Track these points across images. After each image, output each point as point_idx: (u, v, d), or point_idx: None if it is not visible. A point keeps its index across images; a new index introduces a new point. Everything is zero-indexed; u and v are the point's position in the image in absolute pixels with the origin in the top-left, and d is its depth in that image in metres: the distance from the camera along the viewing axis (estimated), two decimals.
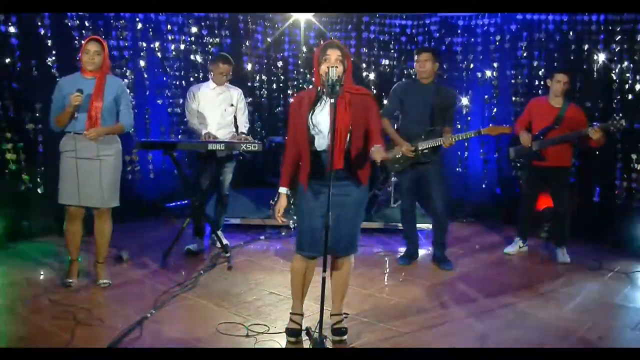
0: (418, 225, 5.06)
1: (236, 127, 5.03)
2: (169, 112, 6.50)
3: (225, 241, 4.98)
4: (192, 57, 6.60)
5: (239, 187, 6.32)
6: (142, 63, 6.18)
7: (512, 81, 6.52)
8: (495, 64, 6.60)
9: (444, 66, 6.57)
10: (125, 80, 6.02)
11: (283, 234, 5.66)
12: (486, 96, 6.67)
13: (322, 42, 3.19)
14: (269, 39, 7.27)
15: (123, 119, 4.03)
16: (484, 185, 6.76)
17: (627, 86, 5.72)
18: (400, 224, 5.22)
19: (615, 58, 5.78)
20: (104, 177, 3.93)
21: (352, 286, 3.68)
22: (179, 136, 6.50)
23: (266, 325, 3.46)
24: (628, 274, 4.73)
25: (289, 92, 7.41)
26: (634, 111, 5.63)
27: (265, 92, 7.41)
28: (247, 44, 7.13)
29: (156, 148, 4.77)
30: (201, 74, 6.50)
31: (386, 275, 4.63)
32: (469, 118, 6.78)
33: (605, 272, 4.79)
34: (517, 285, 4.40)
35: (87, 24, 5.67)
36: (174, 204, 6.40)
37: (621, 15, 5.70)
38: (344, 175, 3.11)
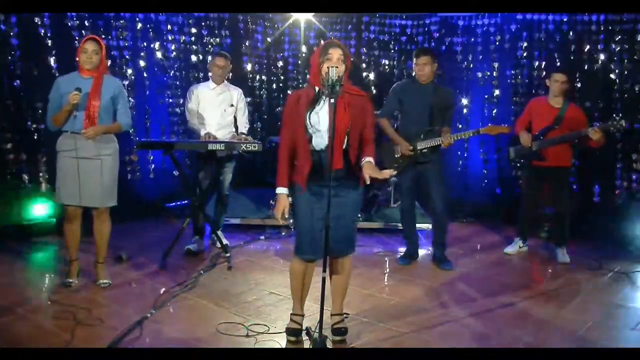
0: (418, 225, 5.06)
1: (236, 127, 5.03)
2: (169, 112, 6.50)
3: (225, 241, 4.98)
4: (192, 57, 6.60)
5: (239, 187, 6.32)
6: (142, 63, 6.18)
7: (512, 81, 6.52)
8: (495, 64, 6.60)
9: (444, 66, 6.57)
10: (125, 80, 6.03)
11: (283, 234, 5.66)
12: (486, 96, 6.67)
13: (322, 42, 3.18)
14: (269, 39, 7.27)
15: (121, 118, 4.03)
16: (484, 185, 6.76)
17: (627, 86, 5.73)
18: (400, 224, 5.22)
19: (615, 58, 5.78)
20: (104, 176, 3.93)
21: (352, 286, 3.68)
22: (179, 136, 6.50)
23: (266, 325, 3.46)
24: (628, 274, 4.73)
25: (289, 92, 7.40)
26: (634, 111, 5.63)
27: (265, 92, 7.42)
28: (247, 44, 7.13)
29: (156, 148, 4.78)
30: (201, 74, 6.50)
31: (386, 275, 4.63)
32: (468, 118, 6.77)
33: (605, 272, 4.79)
34: (517, 285, 4.40)
35: (87, 24, 5.68)
36: (174, 204, 6.40)
37: (621, 15, 5.70)
38: (342, 176, 3.11)
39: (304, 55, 7.27)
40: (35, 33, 5.28)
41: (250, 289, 4.16)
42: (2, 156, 5.16)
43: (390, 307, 3.86)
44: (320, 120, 3.08)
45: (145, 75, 6.23)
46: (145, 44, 6.18)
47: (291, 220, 5.15)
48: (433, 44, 6.98)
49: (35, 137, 5.30)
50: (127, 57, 6.04)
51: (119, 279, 4.24)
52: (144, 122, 6.26)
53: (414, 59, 4.62)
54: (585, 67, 5.99)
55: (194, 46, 6.61)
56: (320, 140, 3.10)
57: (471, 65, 6.75)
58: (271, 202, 5.62)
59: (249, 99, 5.32)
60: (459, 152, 6.85)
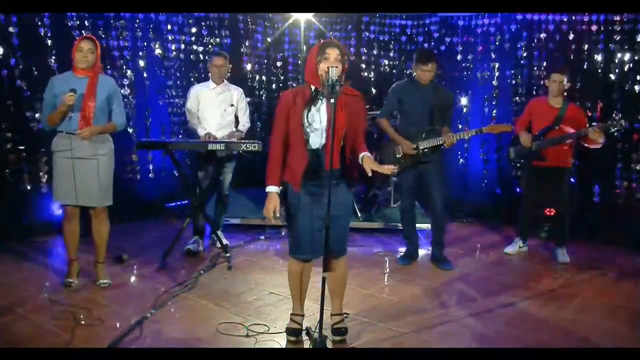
0: (418, 225, 5.06)
1: (237, 127, 5.04)
2: (169, 112, 6.50)
3: (225, 241, 4.98)
4: (192, 57, 6.60)
5: (239, 187, 6.32)
6: (142, 63, 6.18)
7: (512, 81, 6.52)
8: (495, 64, 6.60)
9: (444, 66, 6.57)
10: (125, 80, 6.03)
11: (283, 234, 5.66)
12: (486, 96, 6.67)
13: (321, 41, 3.17)
14: (269, 39, 7.28)
15: (116, 118, 4.03)
16: (483, 185, 6.76)
17: (627, 86, 5.73)
18: (400, 224, 5.22)
19: (615, 58, 5.78)
20: (101, 176, 3.94)
21: (352, 286, 3.68)
22: (179, 136, 6.50)
23: (266, 325, 3.46)
24: (628, 273, 4.73)
25: (283, 95, 7.40)
26: (634, 111, 5.63)
27: (265, 92, 7.42)
28: (247, 44, 7.13)
29: (156, 148, 4.78)
30: (201, 74, 6.50)
31: (386, 275, 4.63)
32: (468, 118, 6.78)
33: (605, 272, 4.79)
34: (517, 285, 4.40)
35: (87, 24, 5.67)
36: (174, 204, 6.40)
37: (621, 15, 5.70)
38: (339, 175, 3.11)
39: (304, 55, 7.27)
40: (35, 33, 5.28)
41: (250, 289, 4.16)
42: (2, 156, 5.15)
43: (390, 307, 3.86)
44: (317, 119, 3.08)
45: (145, 75, 6.23)
46: (145, 44, 6.18)
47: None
48: (433, 44, 6.99)
49: (35, 137, 5.29)
50: (127, 57, 6.04)
51: (119, 279, 4.24)
52: (144, 122, 6.26)
53: (419, 64, 4.53)
54: (585, 67, 5.99)
55: (194, 46, 6.61)
56: (317, 140, 3.09)
57: (471, 65, 6.75)
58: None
59: (248, 99, 5.31)
60: (459, 152, 6.85)
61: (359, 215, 5.83)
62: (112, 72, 5.91)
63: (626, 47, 5.71)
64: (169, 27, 6.39)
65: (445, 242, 4.89)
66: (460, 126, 6.63)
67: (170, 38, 6.40)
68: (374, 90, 7.21)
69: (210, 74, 4.96)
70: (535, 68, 6.35)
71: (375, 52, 7.27)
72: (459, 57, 6.82)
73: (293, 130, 3.09)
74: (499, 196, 6.64)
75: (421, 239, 5.29)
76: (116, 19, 5.90)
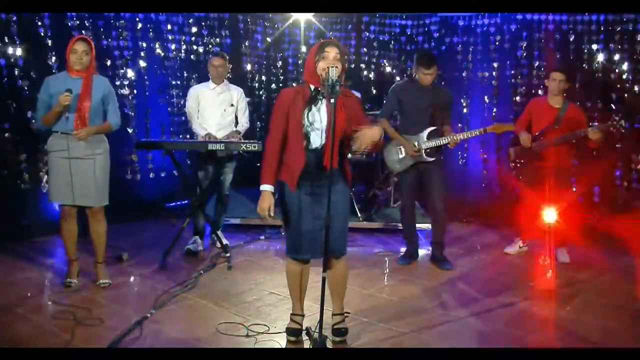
0: (418, 225, 5.06)
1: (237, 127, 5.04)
2: (169, 112, 6.50)
3: (225, 241, 4.98)
4: (192, 57, 6.60)
5: (239, 187, 6.32)
6: (142, 63, 6.18)
7: (512, 81, 6.52)
8: (495, 64, 6.60)
9: (444, 66, 6.58)
10: (125, 80, 6.04)
11: (283, 234, 5.65)
12: (486, 96, 6.68)
13: (321, 41, 3.17)
14: (268, 39, 7.28)
15: (111, 118, 4.04)
16: (484, 185, 6.76)
17: (627, 86, 5.73)
18: (400, 224, 5.22)
19: (615, 58, 5.78)
20: (97, 175, 3.94)
21: (352, 286, 3.68)
22: (180, 136, 6.50)
23: (266, 325, 3.46)
24: (628, 273, 4.73)
25: (281, 94, 7.40)
26: (634, 111, 5.64)
27: (265, 92, 7.42)
28: (247, 44, 7.13)
29: (156, 148, 4.80)
30: (201, 74, 6.50)
31: (386, 275, 4.63)
32: (468, 118, 6.78)
33: (605, 272, 4.79)
34: (517, 285, 4.40)
35: (87, 24, 5.68)
36: (174, 204, 6.40)
37: (621, 15, 5.70)
38: (336, 175, 3.10)
39: (303, 55, 7.28)
40: (35, 33, 5.28)
41: (250, 289, 4.16)
42: (2, 156, 5.15)
43: (390, 307, 3.86)
44: (317, 118, 3.07)
45: (145, 75, 6.23)
46: (145, 44, 6.18)
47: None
48: (433, 44, 6.99)
49: (35, 137, 5.30)
50: (127, 57, 6.04)
51: (119, 279, 4.24)
52: (144, 122, 6.26)
53: (421, 68, 4.51)
54: (585, 67, 5.99)
55: (194, 46, 6.61)
56: (317, 139, 3.09)
57: (471, 65, 6.75)
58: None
59: (248, 99, 5.31)
60: (459, 152, 6.85)
61: (359, 215, 5.83)
62: (112, 72, 5.92)
63: (626, 47, 5.71)
64: (169, 27, 6.39)
65: (445, 242, 4.89)
66: (460, 126, 6.63)
67: (170, 38, 6.41)
68: (374, 90, 7.21)
69: (210, 74, 4.97)
70: (535, 68, 6.36)
71: (375, 52, 7.26)
72: (459, 57, 6.82)
73: (292, 130, 3.08)
74: (499, 196, 6.64)
75: (421, 239, 5.29)
76: (116, 19, 5.91)
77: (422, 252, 5.08)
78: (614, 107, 5.77)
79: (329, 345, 3.14)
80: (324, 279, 2.88)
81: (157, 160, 6.35)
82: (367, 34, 7.25)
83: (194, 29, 6.60)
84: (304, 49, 7.22)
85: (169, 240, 4.73)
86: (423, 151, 4.60)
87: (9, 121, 5.17)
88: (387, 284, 4.42)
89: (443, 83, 6.39)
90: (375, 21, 7.21)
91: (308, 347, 3.13)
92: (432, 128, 4.61)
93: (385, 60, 7.28)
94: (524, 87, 6.45)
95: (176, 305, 3.81)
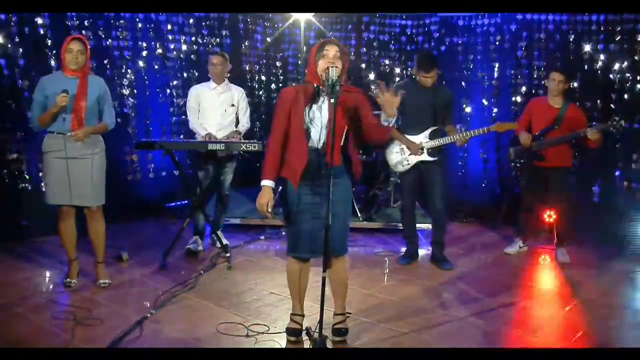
0: (418, 225, 5.06)
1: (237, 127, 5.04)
2: (170, 112, 6.50)
3: (225, 241, 4.98)
4: (192, 57, 6.60)
5: (239, 187, 6.32)
6: (142, 63, 6.18)
7: (512, 81, 6.52)
8: (495, 64, 6.60)
9: (444, 66, 6.57)
10: (125, 80, 6.04)
11: (283, 233, 5.65)
12: (486, 96, 6.67)
13: (321, 40, 3.17)
14: (268, 39, 7.28)
15: (107, 118, 4.04)
16: (483, 185, 6.76)
17: (627, 86, 5.73)
18: (400, 224, 5.22)
19: (615, 58, 5.78)
20: (94, 175, 3.94)
21: (352, 286, 3.68)
22: (180, 136, 6.50)
23: (266, 325, 3.46)
24: (628, 273, 4.73)
25: (284, 91, 7.39)
26: (633, 111, 5.63)
27: (265, 92, 7.42)
28: (246, 44, 7.13)
29: (156, 148, 4.80)
30: (202, 74, 6.50)
31: (386, 275, 4.63)
32: (468, 118, 6.77)
33: (605, 272, 4.79)
34: (517, 285, 4.40)
35: (87, 24, 5.67)
36: (174, 204, 6.40)
37: (621, 15, 5.70)
38: (338, 174, 3.10)
39: (303, 55, 7.27)
40: (35, 33, 5.28)
41: (250, 289, 4.16)
42: (2, 156, 5.15)
43: (390, 307, 3.86)
44: (318, 116, 3.08)
45: (145, 75, 6.23)
46: (145, 44, 6.18)
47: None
48: (433, 44, 6.99)
49: (35, 137, 5.29)
50: (127, 57, 6.04)
51: (119, 279, 4.24)
52: (144, 122, 6.26)
53: (422, 71, 4.51)
54: (585, 67, 5.99)
55: (194, 46, 6.61)
56: (318, 137, 3.09)
57: (471, 65, 6.75)
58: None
59: (248, 99, 5.31)
60: (459, 153, 6.85)
61: (359, 215, 5.83)
62: (112, 72, 5.92)
63: (626, 47, 5.71)
64: (169, 27, 6.39)
65: (445, 242, 4.89)
66: (460, 126, 6.62)
67: (170, 38, 6.40)
68: (374, 91, 7.20)
69: (210, 73, 4.97)
70: (535, 68, 6.36)
71: (375, 52, 7.26)
72: (459, 57, 6.82)
73: (294, 127, 3.08)
74: (499, 196, 6.64)
75: (421, 239, 5.29)
76: (116, 19, 5.91)
77: (422, 252, 5.08)
78: (614, 107, 5.77)
79: (329, 345, 3.14)
80: (324, 279, 2.88)
81: (157, 160, 6.35)
82: (367, 34, 7.25)
83: (194, 29, 6.59)
84: (304, 49, 7.22)
85: (169, 240, 4.73)
86: (426, 150, 4.60)
87: (9, 121, 5.17)
88: (387, 284, 4.42)
89: (444, 83, 6.39)
90: (375, 21, 7.21)
91: (308, 347, 3.13)
92: (433, 128, 4.61)
93: (385, 60, 7.28)
94: (524, 87, 6.45)
95: (176, 305, 3.81)
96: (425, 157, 4.61)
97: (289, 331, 3.30)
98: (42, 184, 5.29)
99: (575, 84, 5.98)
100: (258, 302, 3.90)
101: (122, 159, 6.06)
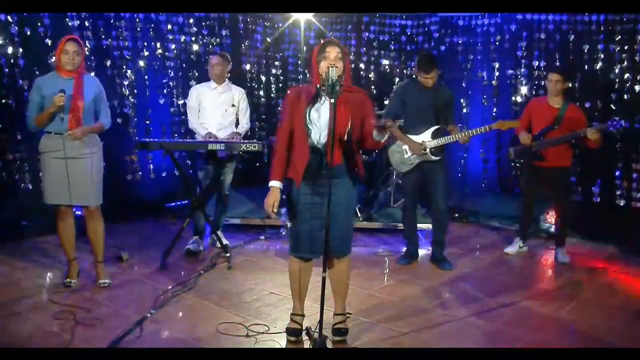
0: (418, 225, 5.05)
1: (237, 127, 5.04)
2: (170, 112, 6.50)
3: (225, 241, 4.98)
4: (192, 57, 6.60)
5: (239, 187, 6.32)
6: (142, 63, 6.18)
7: (512, 81, 6.52)
8: (495, 64, 6.60)
9: (444, 66, 6.57)
10: (125, 80, 6.04)
11: (283, 233, 5.65)
12: (486, 96, 6.67)
13: (321, 41, 3.18)
14: (268, 39, 7.28)
15: (103, 118, 4.04)
16: (483, 185, 6.76)
17: (627, 86, 5.73)
18: (400, 224, 5.21)
19: (615, 58, 5.78)
20: (93, 174, 3.95)
21: (352, 286, 3.68)
22: (180, 136, 6.50)
23: (266, 325, 3.46)
24: (628, 274, 4.73)
25: (288, 92, 7.39)
26: (634, 111, 5.63)
27: (265, 92, 7.42)
28: (246, 44, 7.13)
29: (156, 148, 4.80)
30: (202, 74, 6.50)
31: (386, 275, 4.63)
32: (468, 118, 6.77)
33: (605, 272, 4.79)
34: (517, 285, 4.40)
35: (87, 24, 5.67)
36: (174, 204, 6.40)
37: (621, 15, 5.70)
38: (339, 174, 3.11)
39: (303, 55, 7.28)
40: (35, 33, 5.28)
41: (250, 289, 4.16)
42: (2, 156, 5.15)
43: (390, 307, 3.86)
44: (319, 117, 3.09)
45: (145, 75, 6.23)
46: (145, 44, 6.18)
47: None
48: (433, 44, 6.99)
49: (35, 137, 5.29)
50: (127, 57, 6.04)
51: (119, 279, 4.24)
52: (144, 122, 6.26)
53: (422, 72, 4.51)
54: (585, 67, 5.99)
55: (194, 46, 6.61)
56: (319, 137, 3.10)
57: (471, 65, 6.75)
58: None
59: (248, 99, 5.31)
60: (459, 152, 6.85)
61: (359, 215, 5.83)
62: (112, 72, 5.92)
63: (626, 47, 5.71)
64: (169, 27, 6.39)
65: (445, 242, 4.89)
66: (460, 126, 6.62)
67: (170, 38, 6.40)
68: (374, 90, 7.21)
69: (210, 73, 4.97)
70: (535, 68, 6.36)
71: (375, 52, 7.26)
72: (459, 57, 6.82)
73: (297, 127, 3.11)
74: (499, 196, 6.64)
75: (421, 239, 5.29)
76: (116, 19, 5.91)
77: (422, 252, 5.08)
78: (614, 107, 5.77)
79: (329, 345, 3.14)
80: (324, 279, 2.88)
81: (157, 160, 6.35)
82: (367, 34, 7.25)
83: (194, 29, 6.59)
84: (304, 49, 7.22)
85: (169, 240, 4.73)
86: (428, 150, 4.60)
87: (9, 121, 5.17)
88: (387, 284, 4.42)
89: (443, 82, 6.39)
90: (375, 21, 7.21)
91: (308, 347, 3.13)
92: (436, 127, 4.61)
93: (385, 60, 7.28)
94: (524, 87, 6.45)
95: (176, 305, 3.81)
96: (428, 156, 4.61)
97: (289, 331, 3.30)
98: (42, 184, 5.33)
99: (576, 84, 5.98)
100: (258, 302, 3.90)
101: (122, 159, 6.06)
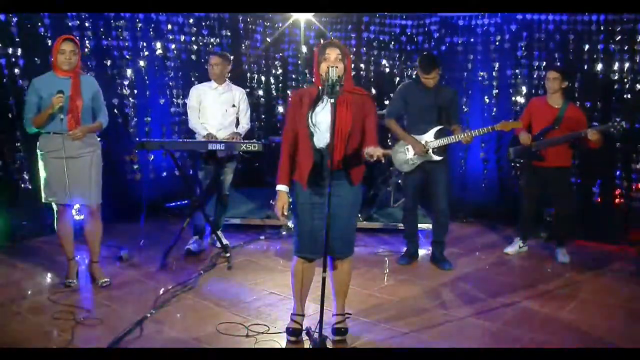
0: (419, 225, 5.05)
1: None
2: (170, 112, 6.50)
3: (225, 241, 4.98)
4: (192, 57, 6.60)
5: (239, 187, 6.32)
6: (142, 63, 6.18)
7: (512, 81, 6.52)
8: (495, 64, 6.60)
9: (444, 66, 6.57)
10: (125, 80, 6.04)
11: (283, 233, 5.65)
12: (486, 96, 6.67)
13: (322, 42, 3.18)
14: (268, 39, 7.28)
15: (101, 117, 4.04)
16: (483, 185, 6.76)
17: (627, 86, 5.73)
18: (400, 224, 5.21)
19: (615, 58, 5.78)
20: (93, 173, 3.95)
21: (352, 286, 3.67)
22: (180, 136, 6.50)
23: (266, 325, 3.46)
24: (627, 273, 4.73)
25: (289, 92, 7.42)
26: (634, 111, 5.63)
27: (265, 92, 7.42)
28: (246, 44, 7.13)
29: (156, 148, 4.81)
30: (202, 74, 6.50)
31: (386, 275, 4.63)
32: (468, 118, 6.77)
33: (605, 272, 4.79)
34: (517, 285, 4.40)
35: (87, 24, 5.67)
36: (174, 204, 6.40)
37: (621, 15, 5.70)
38: (341, 175, 3.12)
39: (303, 55, 7.28)
40: (35, 33, 5.28)
41: (250, 289, 4.16)
42: (2, 156, 5.15)
43: (390, 307, 3.86)
44: (321, 118, 3.09)
45: (145, 75, 6.22)
46: (145, 44, 6.18)
47: (290, 221, 5.17)
48: (433, 44, 6.98)
49: (35, 137, 5.29)
50: (127, 57, 6.04)
51: (119, 279, 4.24)
52: (144, 122, 6.26)
53: (423, 73, 4.53)
54: (585, 67, 5.99)
55: (194, 46, 6.61)
56: (322, 139, 3.11)
57: (471, 65, 6.75)
58: (272, 202, 5.62)
59: (248, 99, 5.31)
60: (459, 153, 6.85)
61: (359, 215, 5.82)
62: (112, 72, 5.92)
63: (626, 47, 5.71)
64: (169, 27, 6.39)
65: (446, 242, 4.89)
66: (460, 126, 6.62)
67: (170, 38, 6.40)
68: (374, 90, 7.21)
69: (209, 73, 4.97)
70: (535, 68, 6.36)
71: (375, 52, 7.26)
72: (459, 57, 6.81)
73: (300, 130, 3.12)
74: (499, 196, 6.64)
75: (421, 239, 5.29)
76: (116, 19, 5.91)
77: (422, 252, 5.08)
78: (614, 107, 5.77)
79: (329, 345, 3.14)
80: (324, 279, 2.89)
81: (157, 160, 6.35)
82: (367, 34, 7.24)
83: (194, 29, 6.59)
84: (304, 49, 7.22)
85: (169, 240, 4.73)
86: (431, 150, 4.60)
87: (9, 121, 5.16)
88: (387, 284, 4.42)
89: (443, 83, 6.39)
90: (375, 21, 7.21)
91: (308, 347, 3.13)
92: (438, 127, 4.61)
93: (385, 60, 7.28)
94: (524, 87, 6.45)
95: (176, 305, 3.81)
96: (430, 156, 4.61)
97: (289, 331, 3.30)
98: (40, 182, 5.33)
99: (575, 84, 5.98)
100: (258, 302, 3.90)
101: (122, 159, 6.06)
